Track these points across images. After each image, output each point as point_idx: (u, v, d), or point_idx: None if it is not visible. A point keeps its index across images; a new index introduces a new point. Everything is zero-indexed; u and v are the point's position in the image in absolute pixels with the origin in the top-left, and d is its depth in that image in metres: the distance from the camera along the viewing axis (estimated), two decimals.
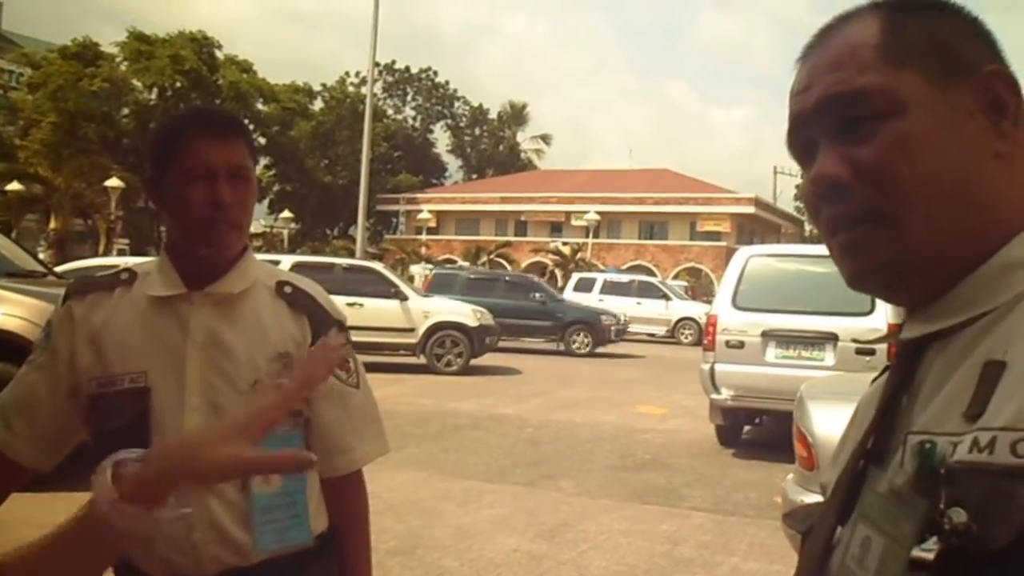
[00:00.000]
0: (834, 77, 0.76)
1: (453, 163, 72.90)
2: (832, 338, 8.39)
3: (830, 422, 4.52)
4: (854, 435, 0.84)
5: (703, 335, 9.12)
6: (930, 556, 0.61)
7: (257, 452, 0.94)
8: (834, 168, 0.75)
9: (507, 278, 24.21)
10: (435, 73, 71.83)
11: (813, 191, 0.78)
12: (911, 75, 0.74)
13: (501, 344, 17.52)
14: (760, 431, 9.93)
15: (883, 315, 8.16)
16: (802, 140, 0.81)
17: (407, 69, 70.80)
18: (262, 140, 50.76)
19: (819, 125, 0.78)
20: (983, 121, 0.74)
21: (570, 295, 30.25)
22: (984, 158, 0.73)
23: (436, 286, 21.56)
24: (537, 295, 21.28)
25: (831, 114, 0.76)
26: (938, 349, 0.75)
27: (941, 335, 0.75)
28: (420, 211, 48.26)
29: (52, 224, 36.66)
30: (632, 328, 26.92)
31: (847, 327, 8.31)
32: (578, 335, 20.87)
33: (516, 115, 73.74)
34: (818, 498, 0.89)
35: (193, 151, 1.53)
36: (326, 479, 1.70)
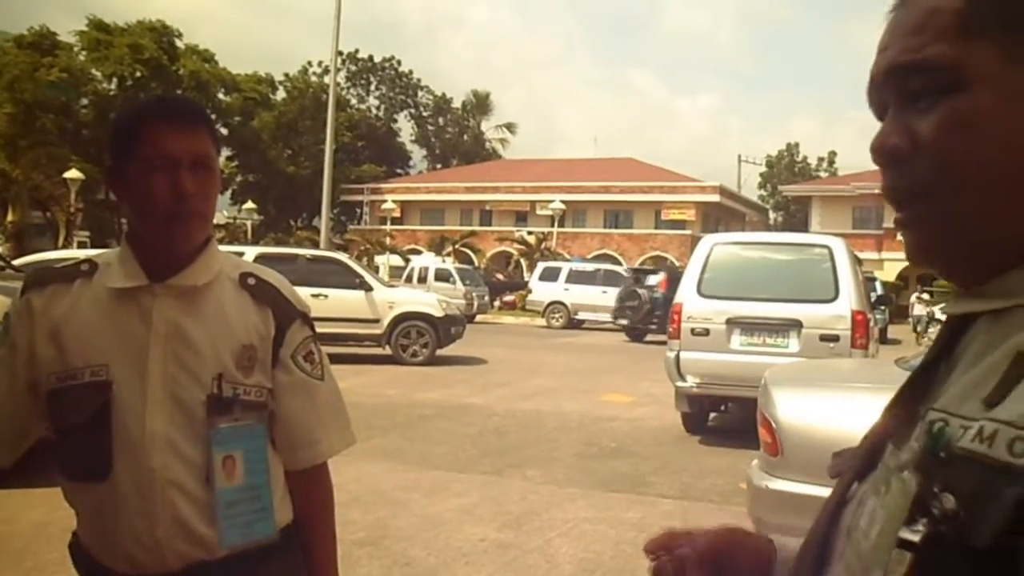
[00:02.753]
0: (907, 43, 0.72)
1: (417, 153, 72.70)
2: (796, 325, 8.46)
3: (794, 409, 4.57)
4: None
5: (668, 323, 9.17)
6: (916, 538, 0.61)
7: None
8: (894, 139, 0.73)
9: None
10: (398, 62, 71.62)
11: (876, 158, 0.76)
12: (987, 48, 0.68)
13: None
14: (725, 418, 10.01)
15: (847, 302, 8.26)
16: (877, 100, 0.78)
17: (370, 58, 70.45)
18: (224, 131, 50.21)
19: (888, 91, 0.75)
20: None
21: (536, 284, 30.30)
22: None
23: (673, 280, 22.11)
24: None
25: (898, 83, 0.74)
26: (983, 327, 0.72)
27: (989, 313, 0.72)
28: (384, 201, 47.99)
29: (10, 216, 36.10)
30: (598, 317, 27.04)
31: (811, 314, 8.39)
32: None
33: (480, 104, 73.53)
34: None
35: (154, 140, 1.50)
36: (291, 471, 1.69)
